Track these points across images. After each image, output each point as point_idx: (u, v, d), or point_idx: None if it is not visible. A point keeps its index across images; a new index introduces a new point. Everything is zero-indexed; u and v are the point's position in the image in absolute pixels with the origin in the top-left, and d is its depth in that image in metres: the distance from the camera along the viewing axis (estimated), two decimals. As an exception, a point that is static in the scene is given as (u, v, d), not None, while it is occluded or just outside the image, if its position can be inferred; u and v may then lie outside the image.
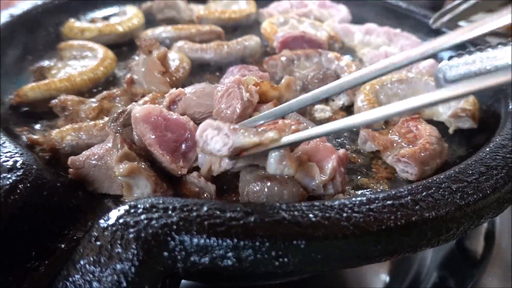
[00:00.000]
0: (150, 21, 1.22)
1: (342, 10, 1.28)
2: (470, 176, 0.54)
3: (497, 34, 1.53)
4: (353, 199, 0.49)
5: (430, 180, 0.53)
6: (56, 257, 0.50)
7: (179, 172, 0.61)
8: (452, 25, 1.06)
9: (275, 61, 0.95)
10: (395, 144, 0.72)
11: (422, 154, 0.66)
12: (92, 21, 1.13)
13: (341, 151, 0.65)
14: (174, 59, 0.93)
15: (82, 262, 0.42)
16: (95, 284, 0.40)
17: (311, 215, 0.45)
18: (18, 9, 0.98)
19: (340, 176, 0.62)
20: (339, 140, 0.78)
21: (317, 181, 0.60)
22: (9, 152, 0.53)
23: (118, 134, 0.58)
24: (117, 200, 0.60)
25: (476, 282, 0.72)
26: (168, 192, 0.60)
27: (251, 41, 1.02)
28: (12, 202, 0.47)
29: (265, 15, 1.27)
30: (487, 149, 0.61)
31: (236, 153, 0.53)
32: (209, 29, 1.08)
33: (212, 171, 0.62)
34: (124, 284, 0.40)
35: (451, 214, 0.49)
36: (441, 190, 0.50)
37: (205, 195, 0.61)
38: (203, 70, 0.99)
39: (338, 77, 0.91)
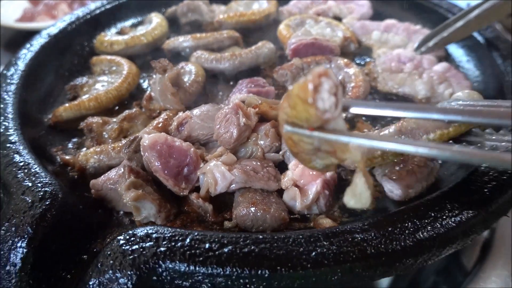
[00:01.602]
0: (175, 24, 1.30)
1: (363, 5, 1.27)
2: (430, 213, 0.58)
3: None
4: (317, 232, 0.55)
5: (390, 214, 0.58)
6: (80, 267, 0.62)
7: (181, 193, 0.71)
8: (438, 49, 1.02)
9: (285, 71, 1.00)
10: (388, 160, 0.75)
11: (409, 178, 0.69)
12: (122, 31, 1.23)
13: (330, 173, 0.71)
14: (190, 71, 1.01)
15: (91, 283, 0.53)
16: (100, 302, 0.52)
17: (275, 249, 0.53)
18: (55, 28, 1.10)
19: (324, 199, 0.69)
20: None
21: (298, 205, 0.66)
22: (40, 182, 0.65)
23: (127, 164, 0.68)
24: (131, 215, 0.71)
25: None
26: (171, 211, 0.69)
27: (263, 48, 1.07)
28: (43, 227, 0.59)
29: (285, 13, 1.30)
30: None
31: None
32: (226, 36, 1.14)
33: (210, 193, 0.71)
34: (123, 303, 0.51)
35: (404, 248, 0.54)
36: (397, 227, 0.55)
37: (204, 212, 0.71)
38: (217, 79, 1.05)
39: (344, 87, 0.94)
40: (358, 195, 0.50)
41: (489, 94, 0.88)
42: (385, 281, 0.95)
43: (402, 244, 0.54)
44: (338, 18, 1.25)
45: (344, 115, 0.91)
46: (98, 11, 1.21)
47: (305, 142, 0.54)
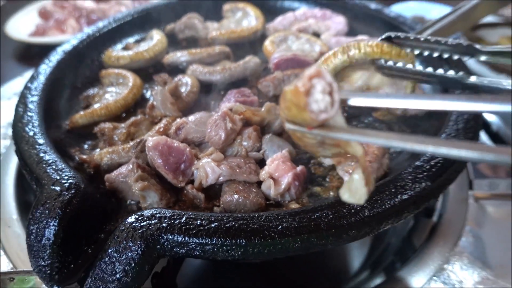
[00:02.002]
0: (173, 39, 1.47)
1: (340, 22, 1.43)
2: (372, 197, 0.74)
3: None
4: (283, 212, 0.71)
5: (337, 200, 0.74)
6: (98, 244, 0.78)
7: (179, 185, 0.87)
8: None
9: (268, 82, 1.16)
10: (346, 159, 0.92)
11: (361, 171, 0.85)
12: (126, 46, 1.39)
13: (300, 168, 0.87)
14: (187, 82, 1.17)
15: (109, 250, 0.69)
16: (116, 264, 0.68)
17: (250, 224, 0.69)
18: (68, 45, 1.27)
19: (294, 188, 0.85)
20: (309, 154, 0.99)
21: (272, 193, 0.83)
22: (66, 175, 0.81)
23: (135, 161, 0.84)
24: (138, 203, 0.87)
25: (409, 266, 0.92)
26: (171, 199, 0.86)
27: (250, 63, 1.23)
28: (69, 211, 0.75)
29: (271, 30, 1.46)
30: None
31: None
32: (218, 51, 1.30)
33: (202, 184, 0.87)
34: (133, 264, 0.67)
35: (349, 223, 0.70)
36: (345, 208, 0.71)
37: (197, 200, 0.87)
38: (210, 89, 1.22)
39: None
40: (353, 190, 0.52)
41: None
42: (356, 263, 1.12)
43: (348, 220, 0.70)
44: (317, 34, 1.42)
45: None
46: (105, 29, 1.37)
47: (308, 138, 0.56)
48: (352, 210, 0.71)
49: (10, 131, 1.18)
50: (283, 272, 1.09)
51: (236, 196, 0.81)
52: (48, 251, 0.72)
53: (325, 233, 0.69)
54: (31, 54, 1.80)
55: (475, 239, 0.95)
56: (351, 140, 0.53)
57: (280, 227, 0.69)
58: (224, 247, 0.68)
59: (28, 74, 1.60)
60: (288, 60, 1.21)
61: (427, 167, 0.79)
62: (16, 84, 1.60)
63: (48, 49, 1.26)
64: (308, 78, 0.45)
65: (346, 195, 0.52)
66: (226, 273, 1.05)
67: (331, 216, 0.71)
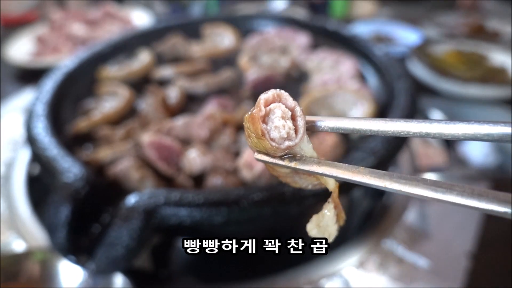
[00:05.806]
0: (162, 58, 1.66)
1: (304, 39, 1.66)
2: None
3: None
4: (255, 187, 0.90)
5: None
6: (103, 223, 0.95)
7: (171, 174, 1.05)
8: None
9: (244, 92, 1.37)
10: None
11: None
12: (120, 64, 1.58)
13: (270, 157, 1.07)
14: (175, 94, 1.36)
15: (117, 222, 0.86)
16: (124, 231, 0.85)
17: (230, 196, 0.87)
18: (70, 63, 1.45)
19: (264, 176, 1.04)
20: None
21: (248, 177, 1.02)
22: (78, 168, 0.98)
23: (133, 157, 1.02)
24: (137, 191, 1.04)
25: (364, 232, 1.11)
26: (165, 186, 1.03)
27: (228, 75, 1.43)
28: (79, 197, 0.91)
29: (246, 48, 1.67)
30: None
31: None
32: (200, 67, 1.51)
33: (191, 172, 1.06)
34: (138, 232, 0.85)
35: (306, 195, 0.89)
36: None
37: (186, 186, 1.05)
38: (194, 98, 1.41)
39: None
40: (323, 227, 0.47)
41: (383, 103, 1.27)
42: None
43: (305, 192, 0.89)
44: (286, 51, 1.64)
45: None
46: (102, 51, 1.56)
47: (280, 167, 0.50)
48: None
49: (12, 141, 1.35)
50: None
51: (219, 181, 0.99)
52: (62, 228, 0.89)
53: (287, 202, 0.88)
54: (28, 75, 1.97)
55: (417, 214, 1.15)
56: (316, 172, 0.45)
57: (251, 197, 0.87)
58: (209, 214, 0.86)
59: (25, 92, 1.77)
60: (261, 78, 1.40)
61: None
62: (17, 101, 1.76)
63: (43, 71, 1.43)
64: (264, 104, 0.41)
65: (314, 231, 0.46)
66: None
67: (292, 190, 0.90)
